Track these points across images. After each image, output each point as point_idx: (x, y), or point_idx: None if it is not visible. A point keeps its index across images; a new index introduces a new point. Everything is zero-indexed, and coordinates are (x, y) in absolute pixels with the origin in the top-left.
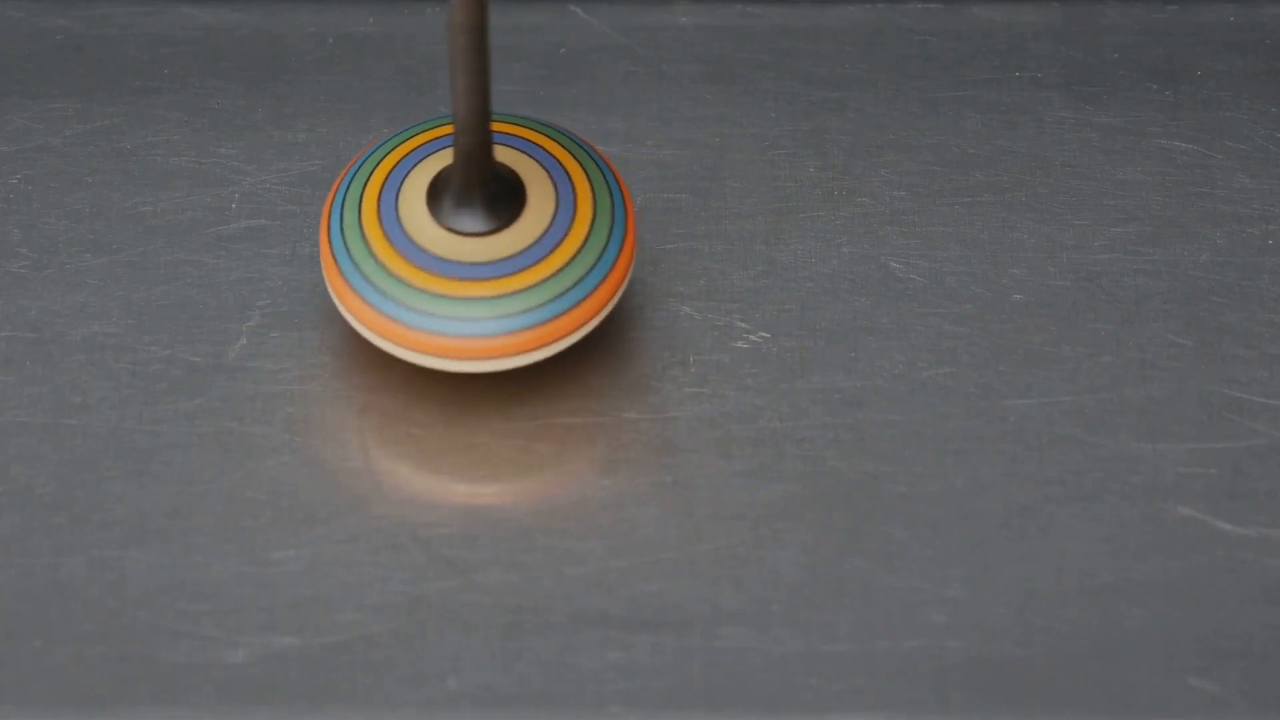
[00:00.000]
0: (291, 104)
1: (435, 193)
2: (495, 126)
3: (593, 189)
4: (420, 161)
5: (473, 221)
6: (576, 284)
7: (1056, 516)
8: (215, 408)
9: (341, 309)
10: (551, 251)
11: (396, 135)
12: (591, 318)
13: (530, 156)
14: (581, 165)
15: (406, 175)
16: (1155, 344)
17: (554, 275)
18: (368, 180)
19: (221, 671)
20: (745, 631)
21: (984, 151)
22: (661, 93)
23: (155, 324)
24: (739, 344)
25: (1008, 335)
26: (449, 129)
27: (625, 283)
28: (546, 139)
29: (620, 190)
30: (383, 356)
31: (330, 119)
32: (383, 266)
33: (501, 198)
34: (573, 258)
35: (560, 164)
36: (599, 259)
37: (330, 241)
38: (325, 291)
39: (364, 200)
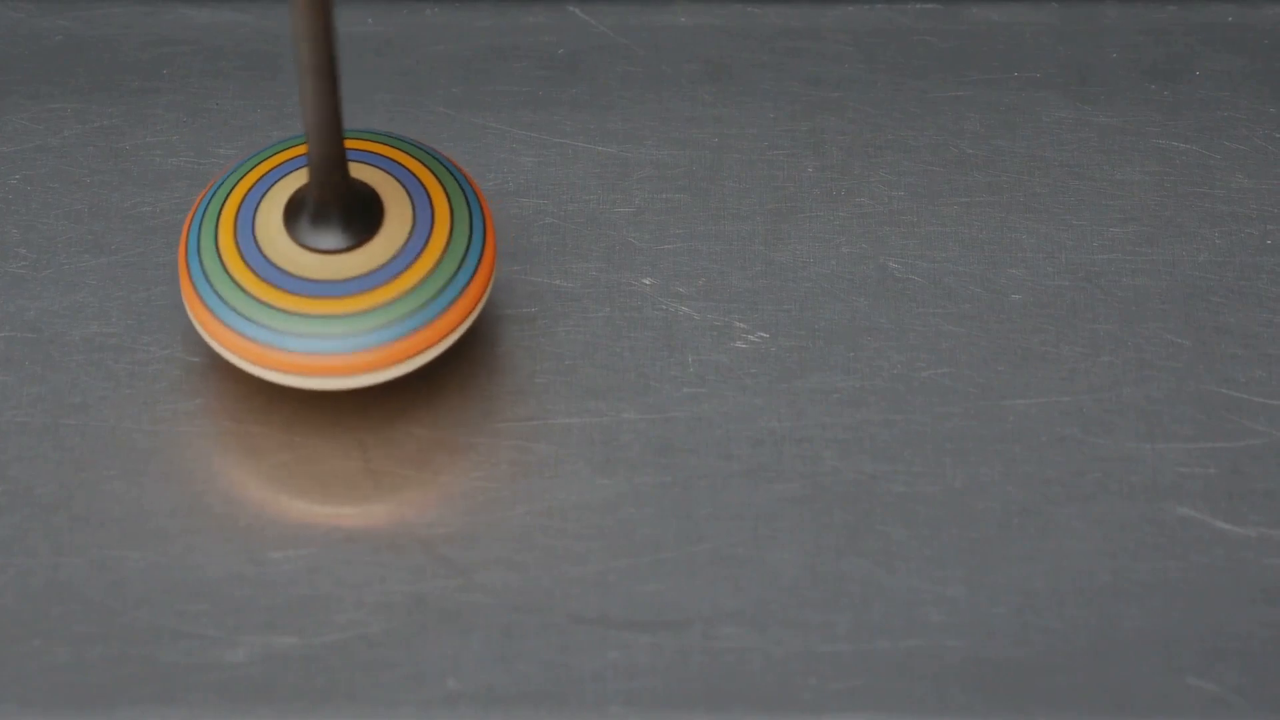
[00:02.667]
0: (291, 104)
1: (292, 211)
2: (351, 143)
3: (450, 203)
4: (278, 181)
5: (329, 239)
6: (434, 299)
7: (1055, 516)
8: (215, 408)
9: (200, 330)
10: (408, 267)
11: (254, 156)
12: (451, 331)
13: (387, 172)
14: (439, 180)
15: (264, 195)
16: (1154, 344)
17: (411, 291)
18: (225, 202)
19: (221, 671)
20: (744, 631)
21: (983, 151)
22: (661, 93)
23: (154, 324)
24: (738, 344)
25: (1006, 335)
26: (305, 148)
27: (485, 296)
28: (403, 154)
29: (479, 203)
30: None
31: None
32: (240, 287)
33: (358, 214)
34: (430, 273)
35: (417, 179)
36: (456, 273)
37: (188, 263)
38: None
39: (220, 221)
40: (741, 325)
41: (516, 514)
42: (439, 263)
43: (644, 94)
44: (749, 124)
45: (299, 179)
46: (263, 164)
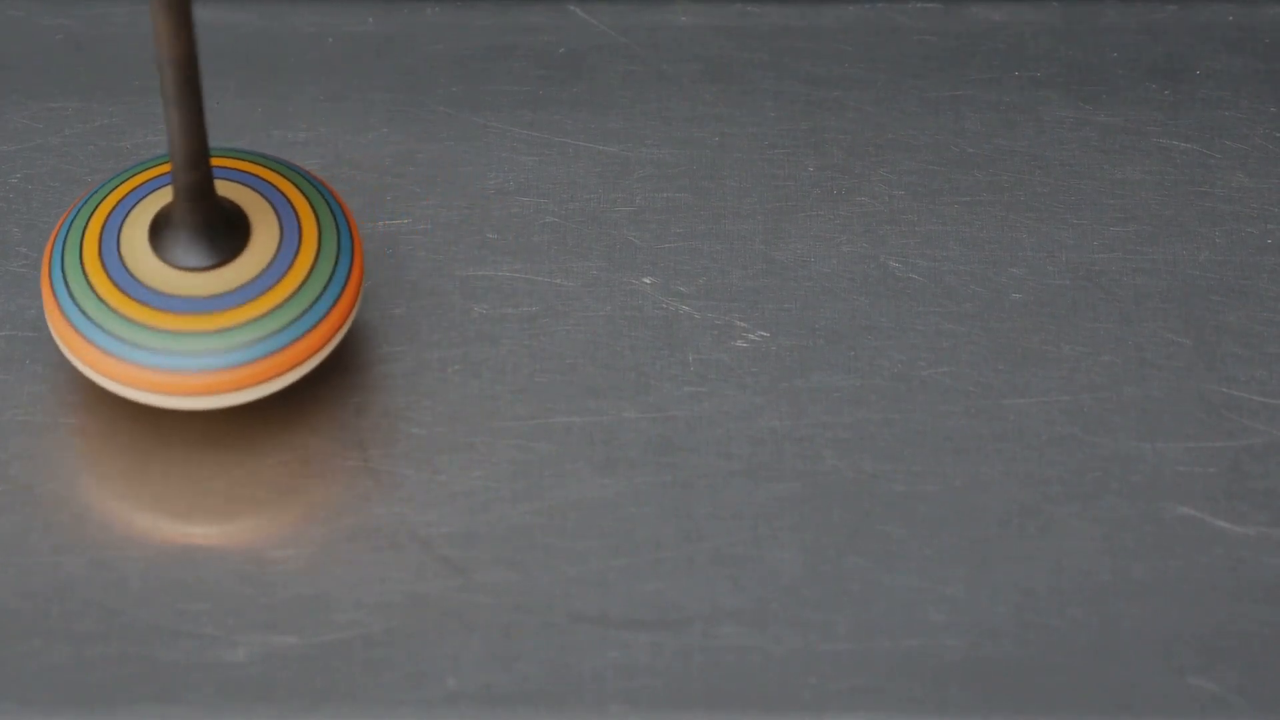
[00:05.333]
0: (291, 104)
1: (157, 229)
2: (217, 161)
3: (318, 220)
4: (142, 200)
5: (196, 256)
6: (303, 315)
7: (1055, 515)
8: (215, 407)
9: (64, 350)
10: (276, 283)
11: (117, 176)
12: (320, 348)
13: (254, 190)
14: (306, 197)
15: (128, 213)
16: (1154, 343)
17: (279, 307)
18: (88, 221)
19: (221, 671)
20: (744, 630)
21: (984, 151)
22: (661, 92)
23: None
24: (738, 343)
25: (1007, 334)
26: (169, 167)
27: (353, 312)
28: (270, 172)
29: (346, 220)
30: (384, 354)
31: (330, 119)
32: (105, 304)
33: (224, 231)
34: (298, 289)
35: (284, 196)
36: (325, 289)
37: (52, 284)
38: None
39: (85, 240)
40: (742, 324)
41: (516, 514)
42: (309, 274)
43: (644, 93)
44: (749, 123)
45: (164, 196)
46: (126, 183)
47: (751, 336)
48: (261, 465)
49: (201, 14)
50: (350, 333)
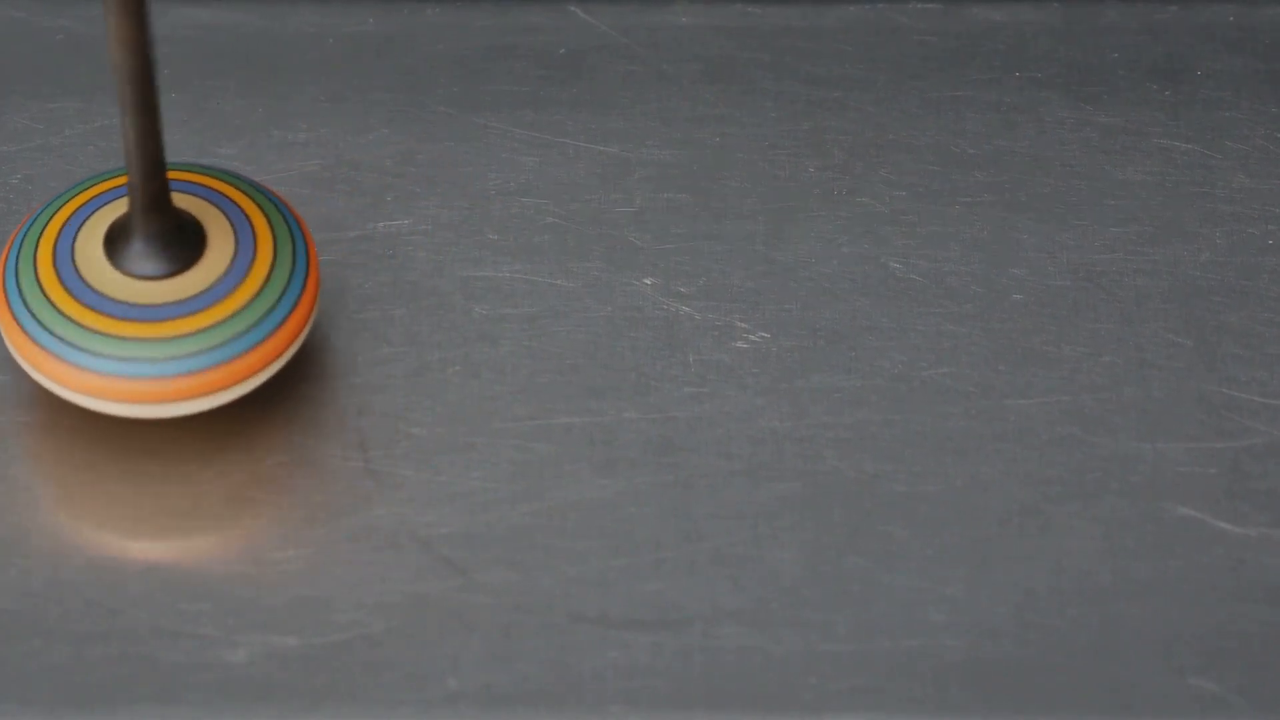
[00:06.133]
0: (291, 104)
1: (113, 238)
2: (171, 175)
3: (273, 230)
4: (97, 210)
5: (153, 265)
6: (259, 322)
7: (1056, 515)
8: (214, 407)
9: (18, 358)
10: (233, 291)
11: (73, 188)
12: (278, 355)
13: (208, 201)
14: (261, 208)
15: (83, 223)
16: (1155, 343)
17: (236, 314)
18: (42, 232)
19: (221, 671)
20: (745, 631)
21: (984, 151)
22: (661, 93)
23: None
24: (739, 344)
25: (1008, 335)
26: (124, 179)
27: (311, 320)
28: (224, 184)
29: (301, 231)
30: (385, 354)
31: (330, 119)
32: (60, 312)
33: (180, 239)
34: (254, 296)
35: (239, 207)
36: (281, 297)
37: (5, 293)
38: (324, 292)
39: (39, 250)
40: (742, 325)
41: (516, 514)
42: (266, 282)
43: (644, 93)
44: (750, 124)
45: (120, 208)
46: (82, 194)
47: (752, 337)
48: (261, 465)
49: (201, 14)
50: (351, 333)
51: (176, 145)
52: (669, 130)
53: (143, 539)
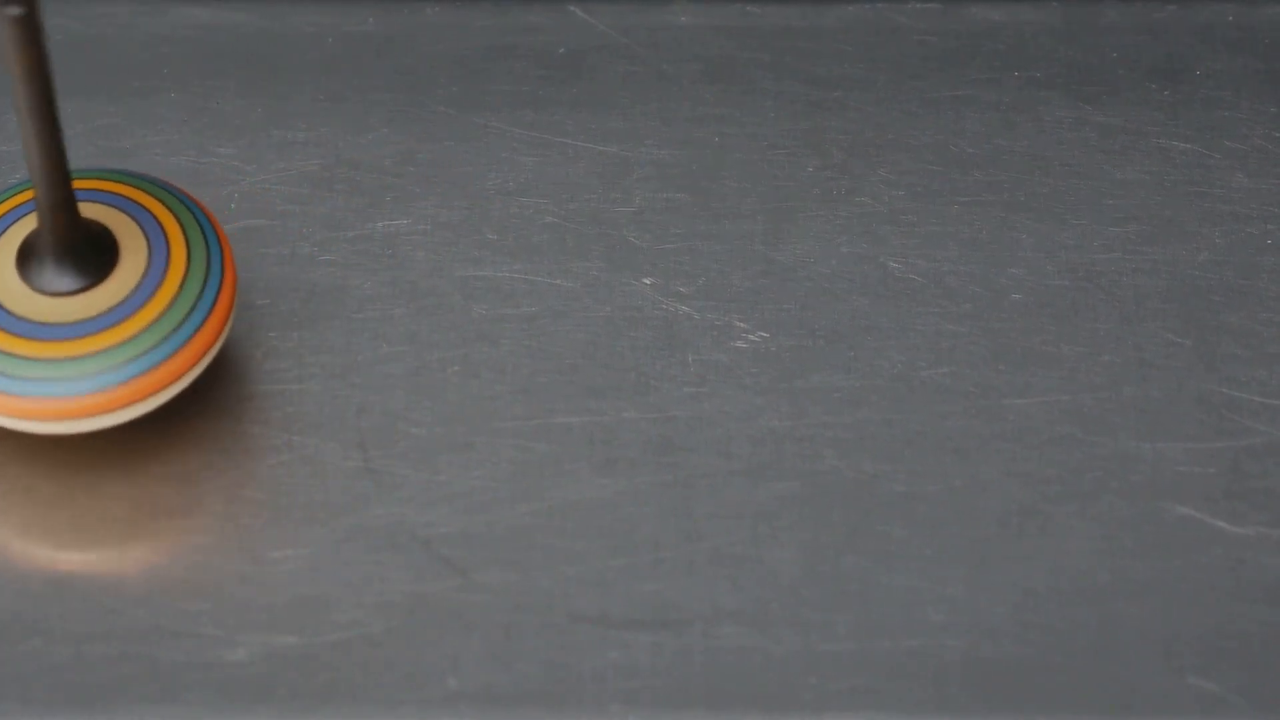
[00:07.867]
0: (291, 104)
1: (25, 255)
2: (80, 183)
3: (185, 236)
4: (10, 225)
5: (63, 281)
6: (174, 331)
7: (1055, 515)
8: (215, 408)
9: None
10: (146, 302)
11: None
12: (195, 363)
13: (119, 209)
14: (173, 212)
15: None
16: (1154, 343)
17: (150, 326)
18: None
19: (221, 671)
20: (744, 631)
21: (984, 151)
22: (661, 93)
23: None
24: (738, 344)
25: (1007, 335)
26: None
27: (228, 326)
28: (134, 189)
29: (215, 233)
30: (384, 354)
31: (329, 119)
32: None
33: (91, 254)
34: (168, 306)
35: (151, 214)
36: (195, 305)
37: None
38: (324, 292)
39: None
40: (742, 325)
41: (516, 514)
42: (179, 291)
43: (644, 94)
44: (749, 123)
45: (29, 224)
46: None
47: (751, 337)
48: (261, 465)
49: (201, 14)
50: (351, 333)
51: (175, 144)
52: (669, 130)
53: (143, 539)
